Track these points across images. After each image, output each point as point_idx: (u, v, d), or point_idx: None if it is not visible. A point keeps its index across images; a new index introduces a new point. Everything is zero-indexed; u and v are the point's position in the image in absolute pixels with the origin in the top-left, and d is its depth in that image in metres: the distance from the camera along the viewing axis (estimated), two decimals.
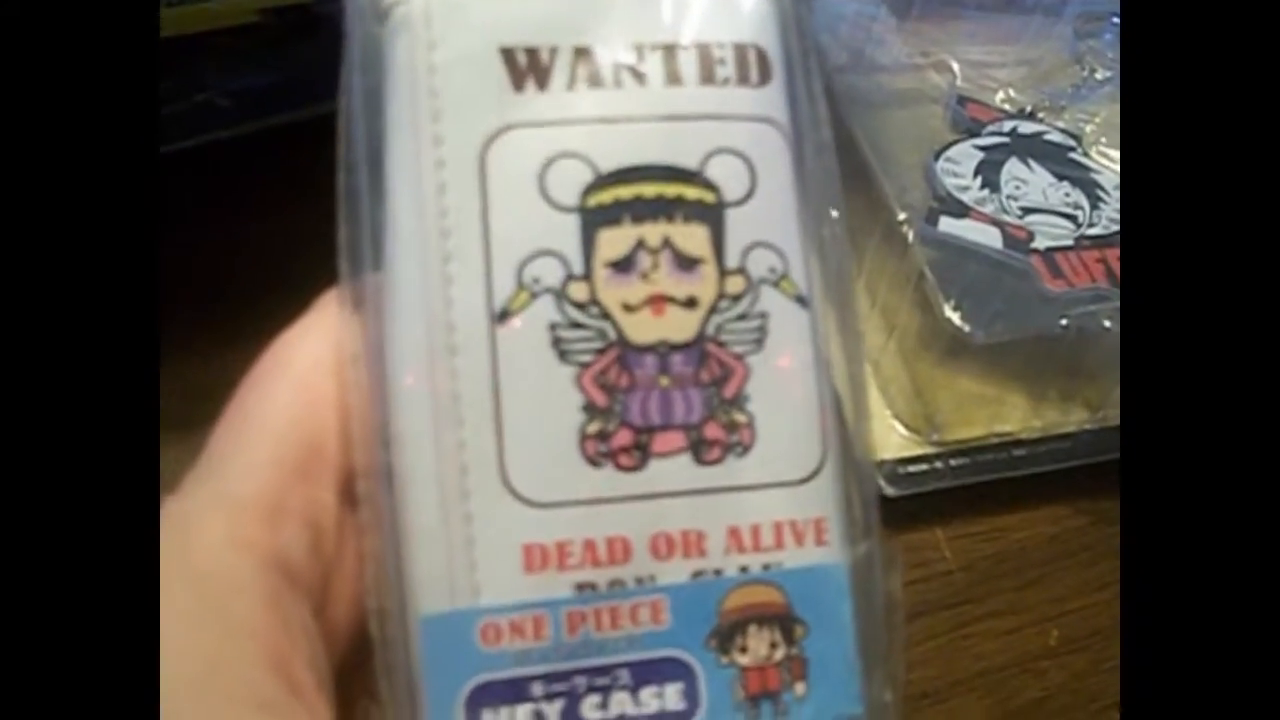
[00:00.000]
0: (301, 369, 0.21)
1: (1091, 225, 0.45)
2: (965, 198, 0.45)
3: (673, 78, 0.21)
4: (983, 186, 0.46)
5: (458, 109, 0.21)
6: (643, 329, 0.21)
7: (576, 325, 0.20)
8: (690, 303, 0.21)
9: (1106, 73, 0.52)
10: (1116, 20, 0.53)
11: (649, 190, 0.21)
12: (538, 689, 0.20)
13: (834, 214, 0.23)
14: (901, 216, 0.44)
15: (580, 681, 0.20)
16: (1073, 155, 0.48)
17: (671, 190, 0.21)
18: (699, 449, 0.21)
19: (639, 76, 0.21)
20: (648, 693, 0.20)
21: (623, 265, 0.21)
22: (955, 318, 0.41)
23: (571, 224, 0.21)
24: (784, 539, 0.21)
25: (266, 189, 0.44)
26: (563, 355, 0.20)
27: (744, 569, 0.21)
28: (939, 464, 0.42)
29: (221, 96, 0.42)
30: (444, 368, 0.20)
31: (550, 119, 0.21)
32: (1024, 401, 0.44)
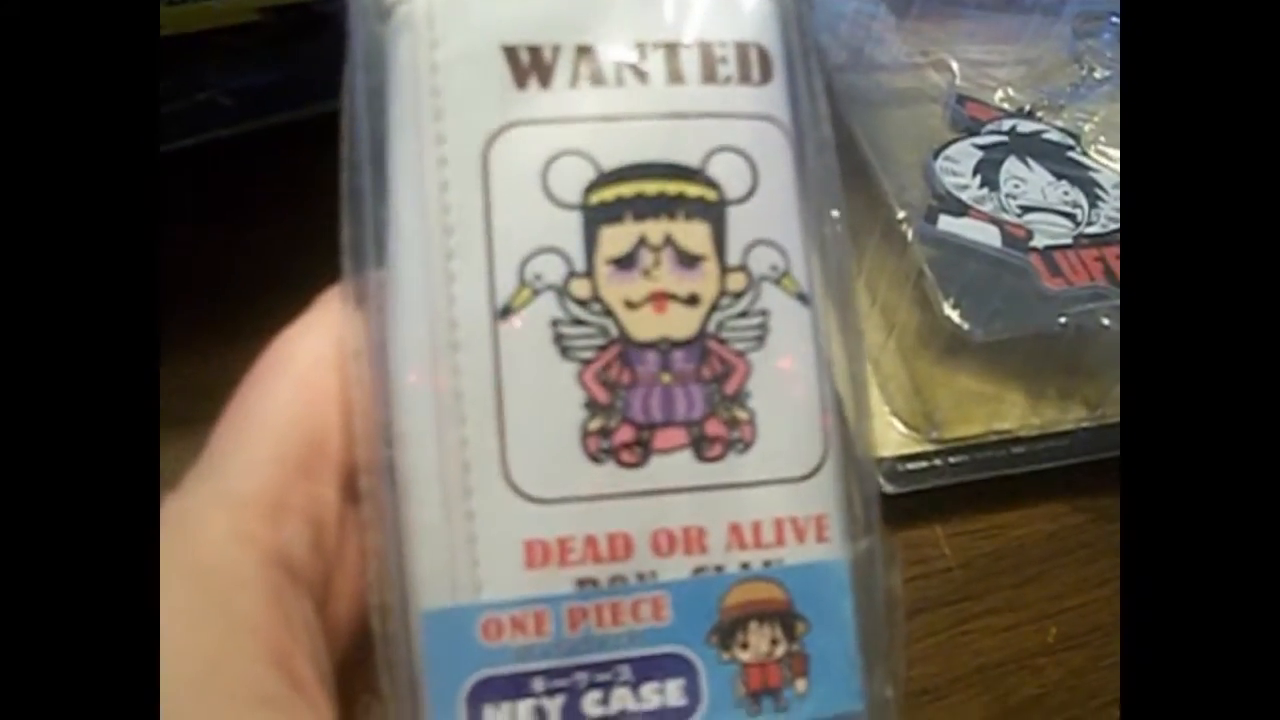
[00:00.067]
0: (303, 366, 0.21)
1: (1090, 224, 0.45)
2: (964, 196, 0.45)
3: (675, 76, 0.21)
4: (982, 185, 0.46)
5: (460, 107, 0.21)
6: (644, 326, 0.21)
7: (578, 322, 0.20)
8: (692, 300, 0.21)
9: (1105, 72, 0.52)
10: (1115, 19, 0.53)
11: (651, 188, 0.21)
12: (539, 684, 0.20)
13: (835, 212, 0.23)
14: (901, 215, 0.44)
15: (581, 677, 0.20)
16: (1071, 154, 0.48)
17: (673, 188, 0.21)
18: (700, 445, 0.21)
19: (641, 75, 0.21)
20: (649, 689, 0.20)
21: (625, 262, 0.21)
22: (954, 316, 0.41)
23: (573, 221, 0.21)
24: (785, 535, 0.21)
25: (267, 188, 0.44)
26: (565, 352, 0.20)
27: (745, 565, 0.21)
28: (938, 461, 0.43)
29: (223, 95, 0.42)
30: (446, 364, 0.20)
31: (552, 117, 0.21)
32: (1023, 399, 0.44)
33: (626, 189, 0.21)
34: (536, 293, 0.20)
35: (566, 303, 0.20)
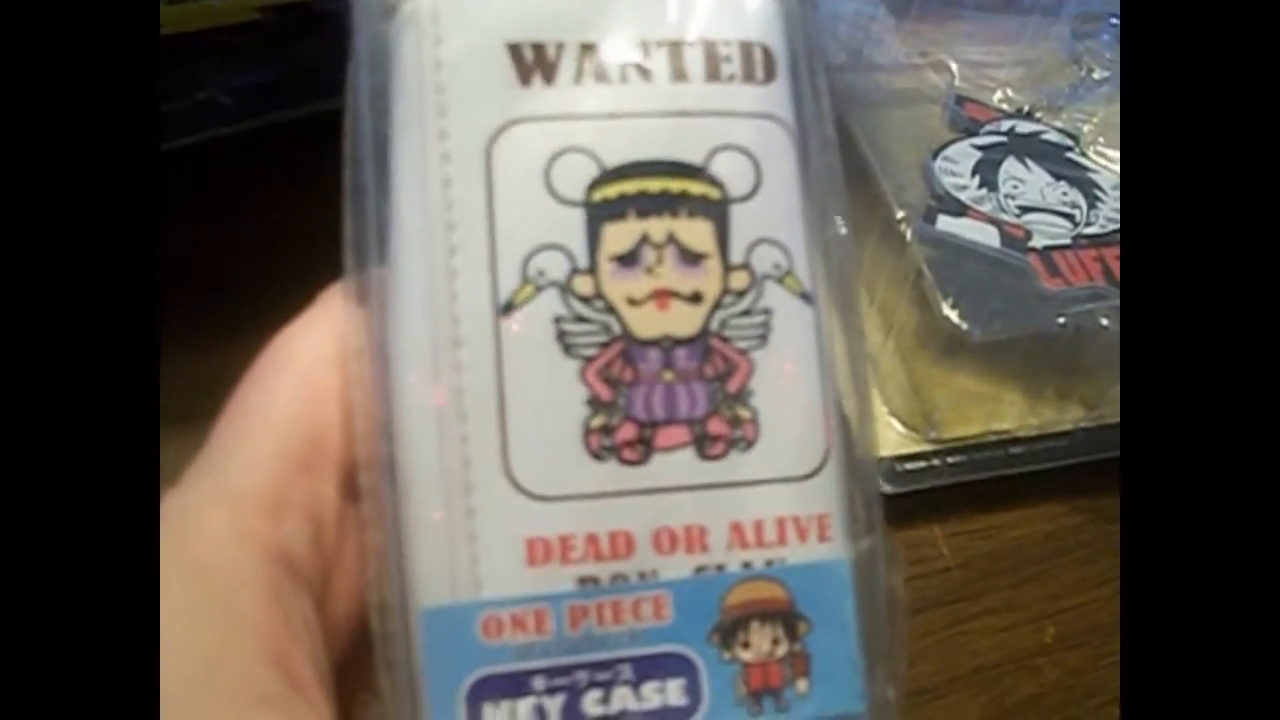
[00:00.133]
0: (304, 363, 0.21)
1: (1089, 224, 0.46)
2: (963, 196, 0.45)
3: (678, 74, 0.21)
4: (980, 185, 0.46)
5: (464, 104, 0.21)
6: (647, 323, 0.21)
7: (581, 319, 0.20)
8: (695, 298, 0.21)
9: (1104, 73, 0.52)
10: (1114, 20, 0.54)
11: (654, 185, 0.21)
12: (539, 683, 0.20)
13: (838, 211, 0.23)
14: (900, 215, 0.44)
15: (582, 676, 0.20)
16: (1070, 155, 0.48)
17: (676, 185, 0.21)
18: (702, 444, 0.21)
19: (645, 73, 0.21)
20: (650, 688, 0.20)
21: (627, 259, 0.21)
22: (953, 316, 0.42)
23: (576, 218, 0.21)
24: (787, 535, 0.21)
25: (267, 186, 0.44)
26: (567, 349, 0.20)
27: (747, 565, 0.21)
28: (936, 461, 0.43)
29: (222, 94, 0.42)
30: (448, 361, 0.20)
31: (556, 114, 0.21)
32: (1021, 399, 0.44)
33: (629, 186, 0.21)
34: (539, 289, 0.20)
35: (569, 299, 0.20)
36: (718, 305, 0.21)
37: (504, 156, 0.21)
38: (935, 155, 0.47)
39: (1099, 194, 0.47)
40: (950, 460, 0.43)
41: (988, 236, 0.44)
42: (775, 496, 0.21)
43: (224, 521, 0.19)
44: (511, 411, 0.20)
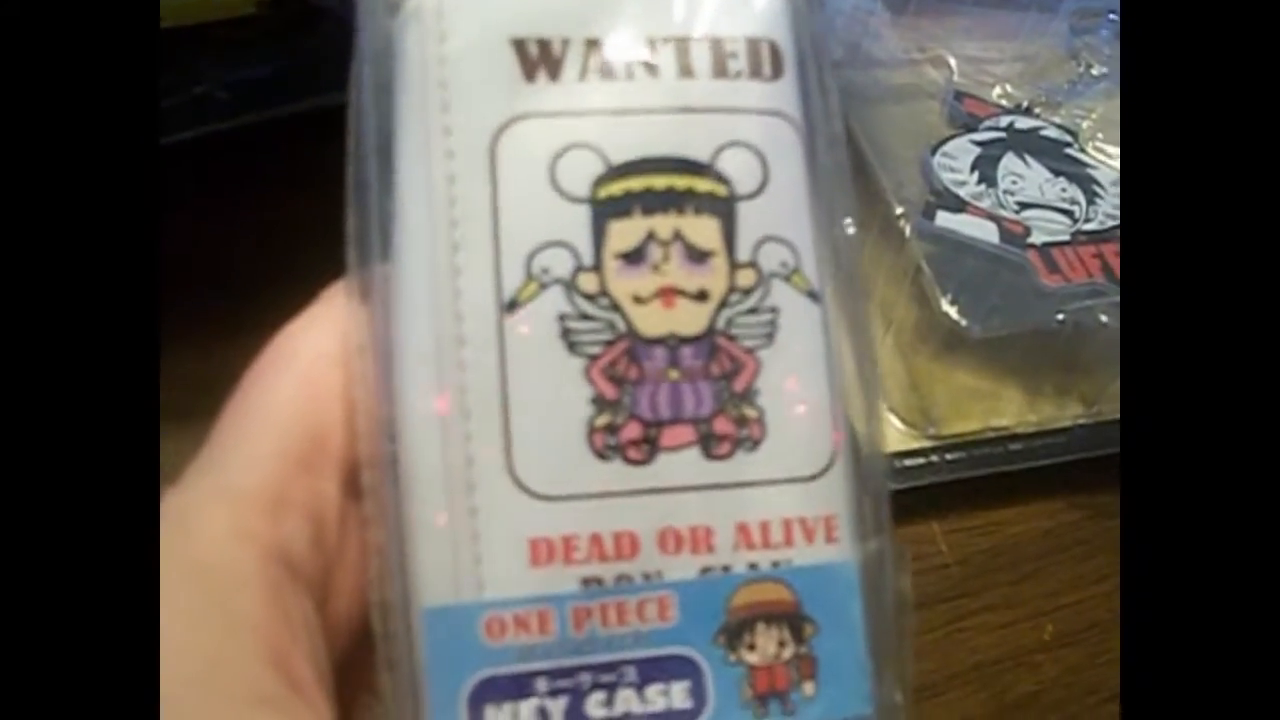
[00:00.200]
0: (306, 361, 0.21)
1: (1088, 220, 0.46)
2: (962, 192, 0.45)
3: (685, 70, 0.21)
4: (979, 181, 0.46)
5: (468, 99, 0.21)
6: (652, 321, 0.21)
7: (586, 316, 0.20)
8: (701, 295, 0.21)
9: (1102, 69, 0.52)
10: (1112, 16, 0.54)
11: (660, 182, 0.21)
12: (542, 685, 0.19)
13: (845, 209, 0.23)
14: (899, 211, 0.44)
15: (585, 678, 0.20)
16: (1069, 151, 0.48)
17: (682, 182, 0.21)
18: (708, 443, 0.21)
19: (651, 69, 0.21)
20: (654, 690, 0.20)
21: (633, 257, 0.21)
22: (952, 312, 0.42)
23: (582, 215, 0.21)
24: (794, 536, 0.21)
25: (265, 181, 0.44)
26: (572, 347, 0.20)
27: (753, 566, 0.20)
28: (935, 458, 0.43)
29: (220, 89, 0.42)
30: (451, 358, 0.20)
31: (561, 110, 0.21)
32: (1020, 396, 0.44)
33: (635, 183, 0.21)
34: (544, 286, 0.20)
35: (574, 297, 0.20)
36: (724, 303, 0.21)
37: (509, 153, 0.20)
38: (934, 151, 0.47)
39: (1098, 190, 0.47)
40: (949, 457, 0.43)
41: (987, 233, 0.44)
42: (782, 497, 0.21)
43: (224, 520, 0.19)
44: (515, 410, 0.20)
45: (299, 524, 0.20)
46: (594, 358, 0.20)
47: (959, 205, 0.45)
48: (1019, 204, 0.46)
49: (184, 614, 0.18)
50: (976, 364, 0.44)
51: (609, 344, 0.20)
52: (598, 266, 0.20)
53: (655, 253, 0.21)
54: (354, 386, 0.21)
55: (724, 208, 0.21)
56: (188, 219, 0.41)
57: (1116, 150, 0.48)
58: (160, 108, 0.41)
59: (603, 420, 0.20)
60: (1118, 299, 0.42)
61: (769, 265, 0.21)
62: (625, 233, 0.21)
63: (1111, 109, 0.50)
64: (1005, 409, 0.43)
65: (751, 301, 0.21)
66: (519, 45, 0.21)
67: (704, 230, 0.21)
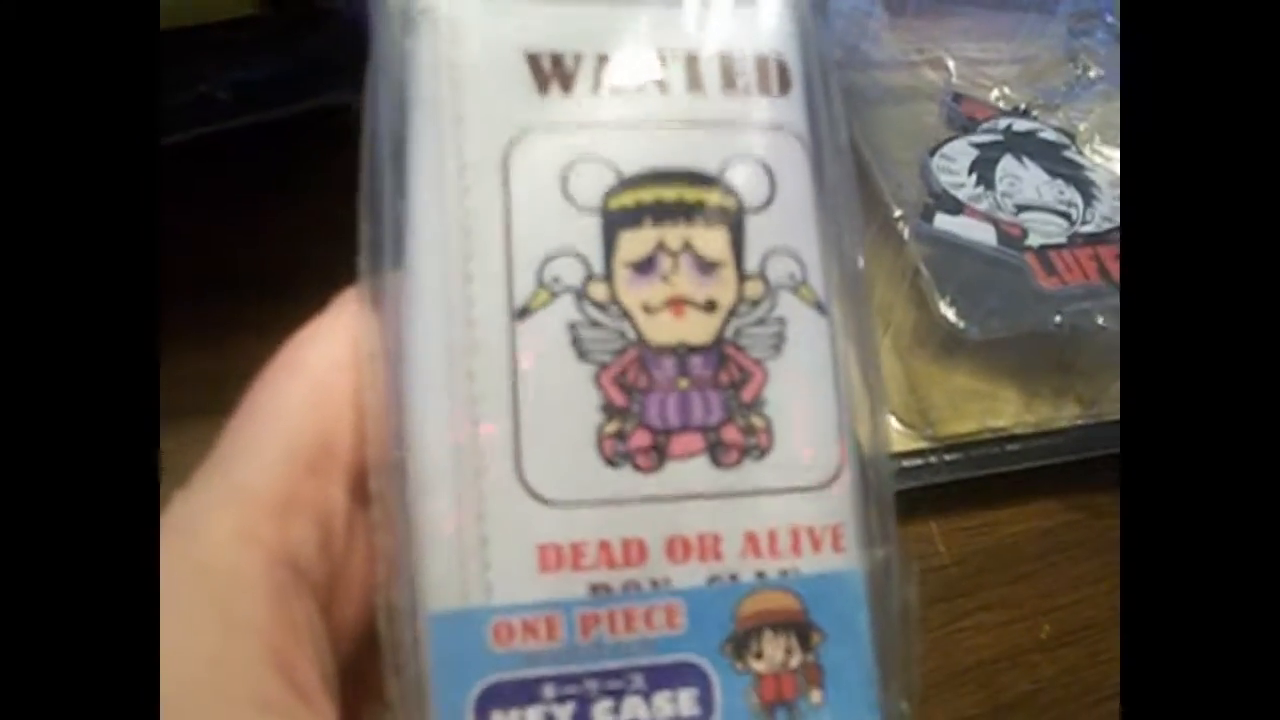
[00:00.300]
0: (316, 367, 0.21)
1: (1085, 223, 0.46)
2: (960, 195, 0.46)
3: (695, 85, 0.22)
4: (977, 184, 0.46)
5: (482, 111, 0.21)
6: (662, 330, 0.21)
7: (596, 325, 0.20)
8: (710, 306, 0.21)
9: (1100, 71, 0.52)
10: (1110, 18, 0.54)
11: (670, 194, 0.21)
12: (549, 691, 0.19)
13: (851, 222, 0.23)
14: (897, 213, 0.44)
15: (593, 685, 0.20)
16: (1066, 153, 0.49)
17: (692, 195, 0.21)
18: (717, 451, 0.21)
19: (661, 83, 0.21)
20: (661, 698, 0.20)
21: (643, 267, 0.21)
22: (950, 314, 0.42)
23: (593, 225, 0.21)
24: (801, 545, 0.21)
25: (268, 180, 0.44)
26: (582, 355, 0.20)
27: (761, 574, 0.21)
28: (933, 459, 0.43)
29: (222, 89, 0.42)
30: (462, 365, 0.20)
31: (573, 122, 0.21)
32: (1017, 397, 0.44)
33: (646, 194, 0.21)
34: (555, 295, 0.20)
35: (584, 306, 0.20)
36: (732, 314, 0.21)
37: (521, 164, 0.21)
38: (932, 153, 0.47)
39: (1095, 192, 0.47)
40: (947, 458, 0.43)
41: (985, 235, 0.44)
42: (789, 506, 0.21)
43: (231, 523, 0.19)
44: (525, 417, 0.20)
45: (306, 528, 0.20)
46: (604, 366, 0.20)
47: (957, 207, 0.45)
48: (1017, 206, 0.46)
49: (189, 616, 0.18)
50: (974, 366, 0.44)
51: (619, 352, 0.20)
52: (608, 276, 0.21)
53: (665, 263, 0.21)
54: (364, 392, 0.21)
55: (733, 220, 0.21)
56: (190, 218, 0.41)
57: (1114, 152, 0.48)
58: (163, 108, 0.41)
59: (612, 428, 0.20)
60: (1114, 301, 0.42)
61: (777, 277, 0.21)
62: (635, 243, 0.21)
63: (1109, 111, 0.50)
64: (1003, 410, 0.44)
65: (759, 312, 0.21)
66: (532, 59, 0.21)
67: (713, 241, 0.21)
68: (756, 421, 0.21)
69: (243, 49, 0.41)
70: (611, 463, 0.20)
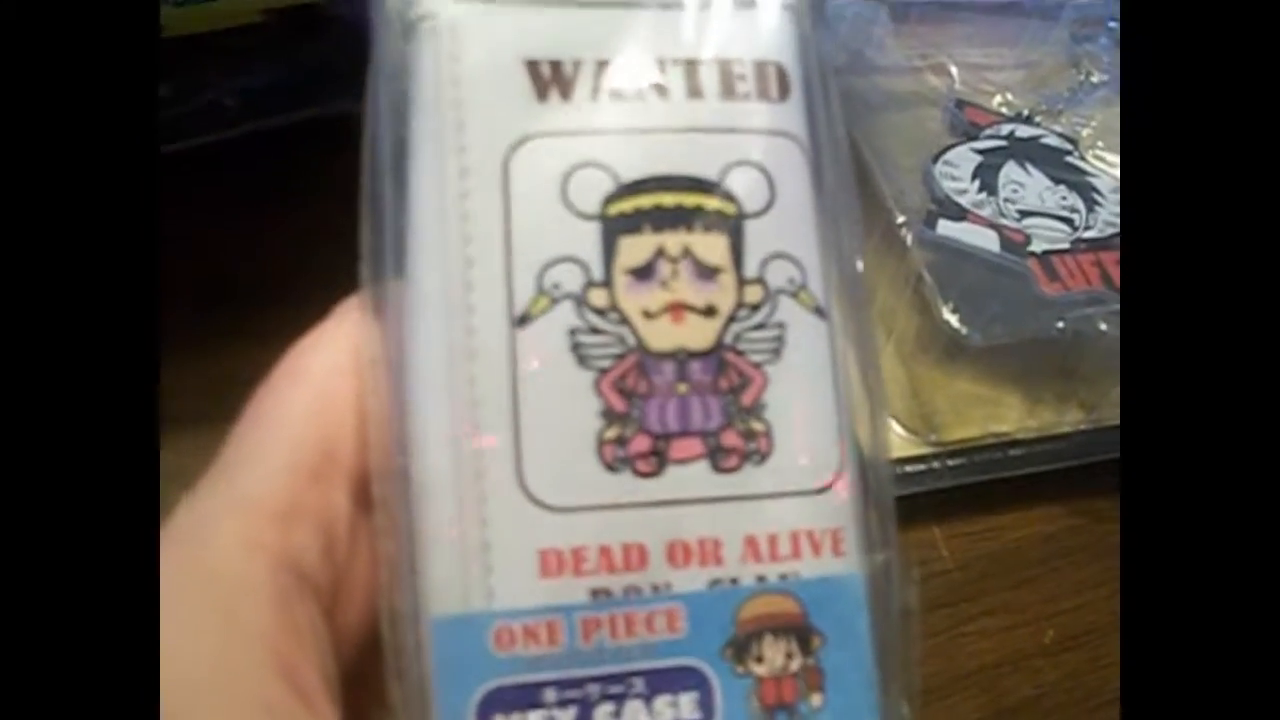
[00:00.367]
0: (319, 375, 0.21)
1: (1088, 228, 0.46)
2: (963, 201, 0.46)
3: (694, 91, 0.22)
4: (980, 190, 0.46)
5: (482, 118, 0.21)
6: (662, 336, 0.21)
7: (596, 331, 0.21)
8: (709, 311, 0.21)
9: (1103, 76, 0.52)
10: (1112, 24, 0.54)
11: (669, 200, 0.21)
12: (551, 695, 0.20)
13: (850, 227, 0.23)
14: (900, 219, 0.44)
15: (594, 689, 0.20)
16: (1069, 159, 0.48)
17: (691, 200, 0.21)
18: (717, 456, 0.21)
19: (661, 90, 0.22)
20: (662, 702, 0.20)
21: (643, 273, 0.21)
22: (953, 320, 0.42)
23: (592, 231, 0.21)
24: (801, 549, 0.21)
25: (272, 188, 0.44)
26: (582, 360, 0.20)
27: (761, 578, 0.21)
28: (936, 464, 0.43)
29: (227, 96, 0.42)
30: (463, 372, 0.20)
31: (573, 129, 0.21)
32: (1020, 403, 0.44)
33: (645, 200, 0.21)
34: (555, 301, 0.20)
35: (584, 312, 0.21)
36: (732, 319, 0.21)
37: (521, 170, 0.21)
38: (935, 159, 0.47)
39: (1098, 198, 0.47)
40: (950, 463, 0.43)
41: (987, 241, 0.44)
42: (789, 510, 0.21)
43: (235, 530, 0.19)
44: (526, 422, 0.20)
45: (309, 534, 0.20)
46: (604, 371, 0.20)
47: (960, 213, 0.45)
48: (1020, 212, 0.46)
49: (193, 621, 0.18)
50: (977, 371, 0.44)
51: (619, 358, 0.21)
52: (608, 282, 0.21)
53: (664, 269, 0.21)
54: (366, 399, 0.21)
55: (732, 225, 0.21)
56: (194, 225, 0.41)
57: (1116, 158, 0.48)
58: (166, 115, 0.41)
59: (612, 433, 0.20)
60: (1117, 307, 0.42)
61: (776, 282, 0.21)
62: (635, 249, 0.21)
63: (1111, 117, 0.50)
64: (1006, 415, 0.44)
65: (759, 317, 0.21)
66: (532, 66, 0.21)
67: (712, 247, 0.21)
68: (756, 426, 0.21)
69: (249, 56, 0.41)
70: (612, 468, 0.20)
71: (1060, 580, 0.42)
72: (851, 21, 0.51)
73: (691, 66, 0.22)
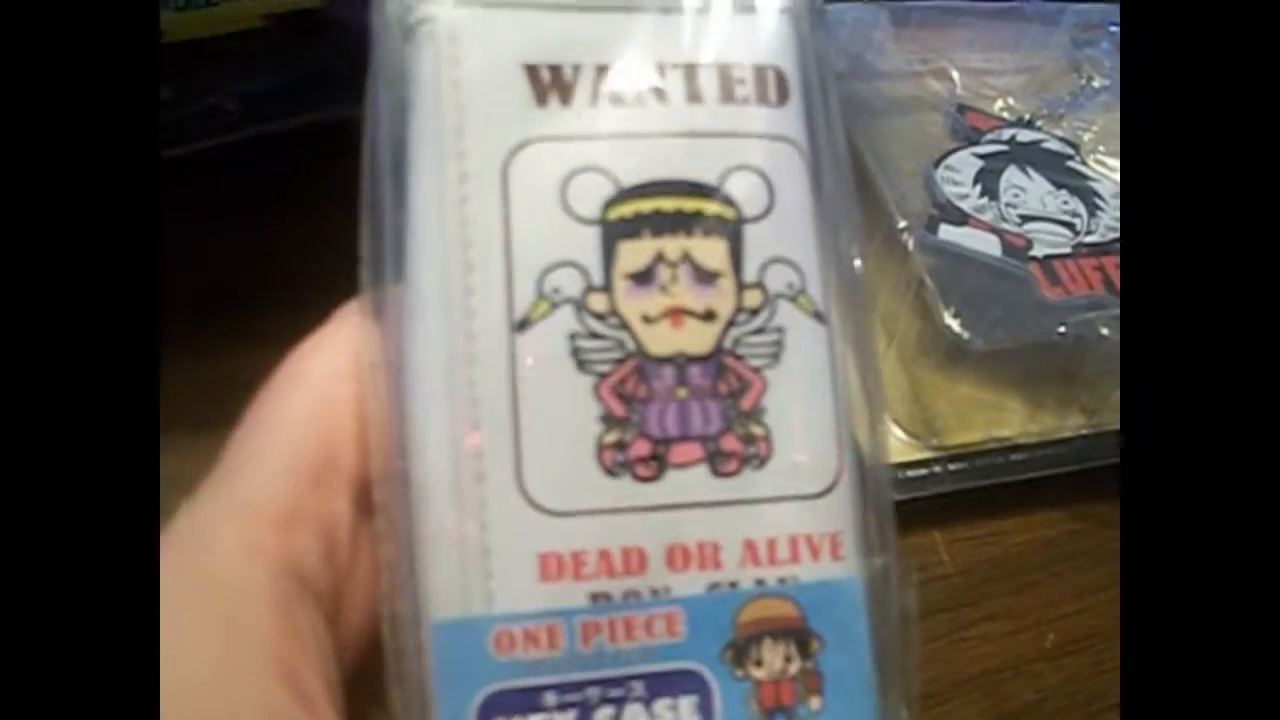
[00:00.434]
0: (318, 379, 0.21)
1: (1089, 233, 0.46)
2: (964, 205, 0.46)
3: (693, 96, 0.22)
4: (982, 194, 0.46)
5: (481, 123, 0.21)
6: (661, 340, 0.21)
7: (595, 335, 0.21)
8: (708, 315, 0.21)
9: (1104, 81, 0.52)
10: (1113, 28, 0.54)
11: (668, 205, 0.21)
12: (551, 699, 0.20)
13: (849, 231, 0.23)
14: (901, 224, 0.44)
15: (594, 693, 0.20)
16: (1070, 163, 0.48)
17: (691, 205, 0.21)
18: (716, 460, 0.21)
19: (660, 94, 0.22)
20: (662, 705, 0.20)
21: (642, 277, 0.21)
22: (955, 325, 0.42)
23: (592, 236, 0.21)
24: (800, 553, 0.21)
25: (273, 192, 0.44)
26: (581, 365, 0.20)
27: (760, 582, 0.21)
28: (938, 468, 0.43)
29: (228, 100, 0.42)
30: (463, 376, 0.20)
31: (572, 134, 0.21)
32: (1022, 407, 0.44)
33: (645, 205, 0.21)
34: (554, 306, 0.21)
35: (584, 316, 0.21)
36: (731, 323, 0.21)
37: (520, 175, 0.21)
38: (937, 164, 0.47)
39: (1099, 202, 0.47)
40: (952, 467, 0.43)
41: (989, 245, 0.44)
42: (788, 514, 0.21)
43: (236, 535, 0.19)
44: (526, 427, 0.20)
45: (310, 539, 0.20)
46: (603, 376, 0.21)
47: (961, 218, 0.45)
48: (1021, 217, 0.46)
49: (195, 626, 0.18)
50: (979, 376, 0.44)
51: (618, 363, 0.21)
52: (607, 287, 0.21)
53: (664, 273, 0.21)
54: (366, 404, 0.21)
55: (731, 230, 0.21)
56: (196, 229, 0.41)
57: (1118, 163, 0.48)
58: (167, 119, 0.41)
59: (612, 438, 0.20)
60: (1119, 311, 0.42)
61: (775, 286, 0.22)
62: (634, 253, 0.21)
63: (1112, 121, 0.50)
64: (1007, 420, 0.43)
65: (758, 322, 0.21)
66: (531, 70, 0.21)
67: (712, 252, 0.21)
68: (755, 430, 0.21)
69: (249, 61, 0.41)
70: (611, 472, 0.20)
71: (1062, 585, 0.42)
72: (852, 26, 0.51)
73: (690, 71, 0.22)
